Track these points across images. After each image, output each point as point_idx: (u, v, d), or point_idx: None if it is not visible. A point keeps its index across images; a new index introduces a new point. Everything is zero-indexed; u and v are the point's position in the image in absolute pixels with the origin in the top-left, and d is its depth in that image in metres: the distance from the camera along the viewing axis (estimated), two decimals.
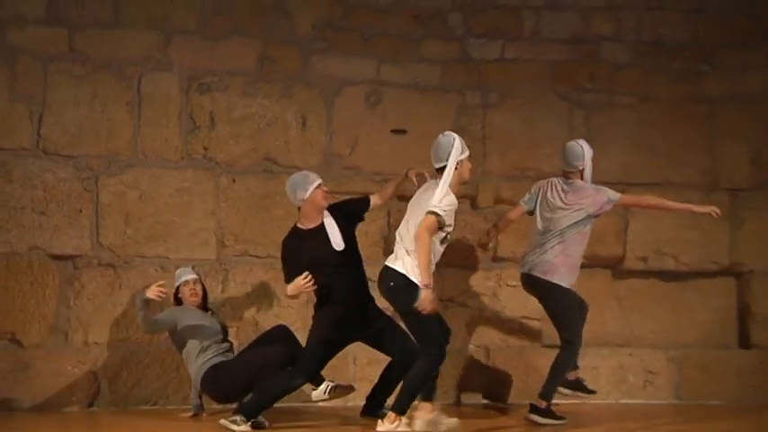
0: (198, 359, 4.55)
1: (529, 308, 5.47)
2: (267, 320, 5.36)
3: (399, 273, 4.00)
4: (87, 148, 5.28)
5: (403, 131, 5.74)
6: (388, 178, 5.33)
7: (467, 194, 5.57)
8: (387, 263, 4.12)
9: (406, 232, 4.06)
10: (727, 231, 5.84)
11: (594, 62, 5.96)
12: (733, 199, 5.90)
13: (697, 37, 5.99)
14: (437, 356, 4.01)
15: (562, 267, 4.52)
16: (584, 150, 4.70)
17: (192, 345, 4.56)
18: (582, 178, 4.66)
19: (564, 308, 4.55)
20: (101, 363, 5.18)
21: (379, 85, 5.77)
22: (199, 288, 4.89)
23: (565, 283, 4.52)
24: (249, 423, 4.31)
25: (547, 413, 4.52)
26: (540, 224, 4.64)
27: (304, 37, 5.62)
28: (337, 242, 4.33)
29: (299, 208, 4.40)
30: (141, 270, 5.26)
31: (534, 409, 4.56)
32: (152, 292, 4.49)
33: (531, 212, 4.72)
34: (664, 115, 5.97)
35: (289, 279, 4.35)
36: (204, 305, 4.80)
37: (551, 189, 4.68)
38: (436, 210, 3.92)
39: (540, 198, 4.69)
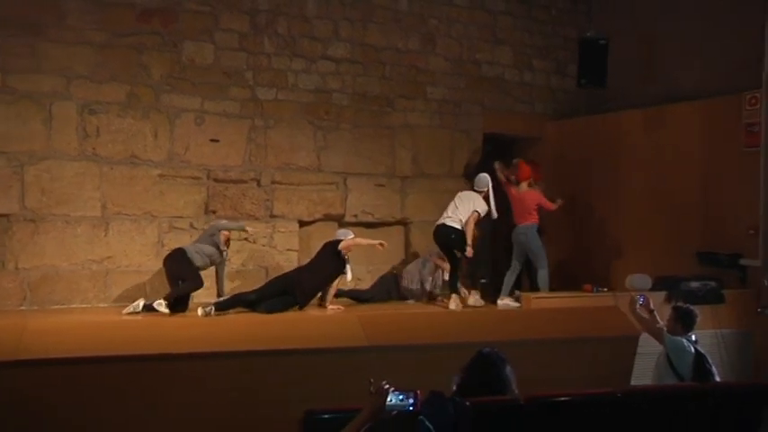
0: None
1: (291, 242, 8.18)
2: (134, 252, 7.55)
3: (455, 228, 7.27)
4: (16, 147, 7.15)
5: (217, 140, 7.82)
6: (209, 168, 7.79)
7: (255, 177, 8.03)
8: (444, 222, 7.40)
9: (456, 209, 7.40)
10: (399, 200, 8.61)
11: (328, 104, 8.29)
12: (403, 182, 8.66)
13: (384, 92, 8.65)
14: None
15: None
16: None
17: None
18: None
19: None
20: (26, 280, 7.22)
21: (202, 113, 7.75)
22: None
23: None
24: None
25: None
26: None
27: (157, 82, 7.61)
28: None
29: None
30: (52, 223, 7.27)
31: None
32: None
33: None
34: (367, 136, 8.49)
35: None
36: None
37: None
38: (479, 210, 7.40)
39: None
